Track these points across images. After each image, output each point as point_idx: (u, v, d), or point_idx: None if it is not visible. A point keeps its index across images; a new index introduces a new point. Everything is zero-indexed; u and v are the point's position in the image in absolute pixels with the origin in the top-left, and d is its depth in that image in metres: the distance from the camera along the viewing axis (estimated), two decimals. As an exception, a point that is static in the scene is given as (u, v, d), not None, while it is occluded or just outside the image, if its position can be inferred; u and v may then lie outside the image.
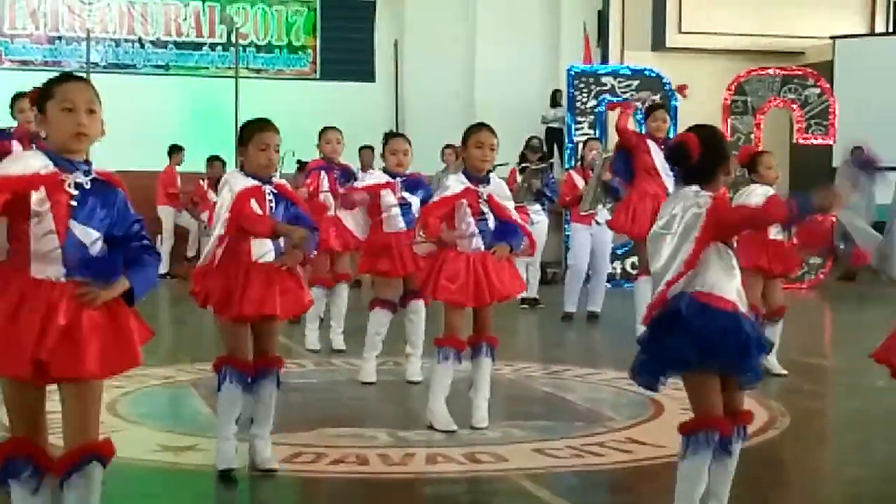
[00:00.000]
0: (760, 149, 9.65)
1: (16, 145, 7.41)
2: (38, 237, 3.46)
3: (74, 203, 3.50)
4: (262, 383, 5.10)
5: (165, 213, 16.05)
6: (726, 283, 4.01)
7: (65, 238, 3.48)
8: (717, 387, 4.00)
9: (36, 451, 3.59)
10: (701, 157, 4.06)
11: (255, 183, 5.09)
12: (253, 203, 5.04)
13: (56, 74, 3.71)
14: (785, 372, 7.77)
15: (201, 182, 15.44)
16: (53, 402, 3.62)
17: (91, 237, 3.54)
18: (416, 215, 7.42)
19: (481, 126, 6.16)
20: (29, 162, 3.49)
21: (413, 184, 7.58)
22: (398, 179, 7.52)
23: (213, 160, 15.47)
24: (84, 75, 4.10)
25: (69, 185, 3.51)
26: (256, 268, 5.04)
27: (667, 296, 3.99)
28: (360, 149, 13.78)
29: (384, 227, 7.53)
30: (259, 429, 5.16)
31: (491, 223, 6.03)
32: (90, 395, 3.55)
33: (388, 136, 7.75)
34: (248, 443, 5.17)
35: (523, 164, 12.48)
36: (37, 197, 3.45)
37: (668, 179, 9.28)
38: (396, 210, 7.50)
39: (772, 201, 4.04)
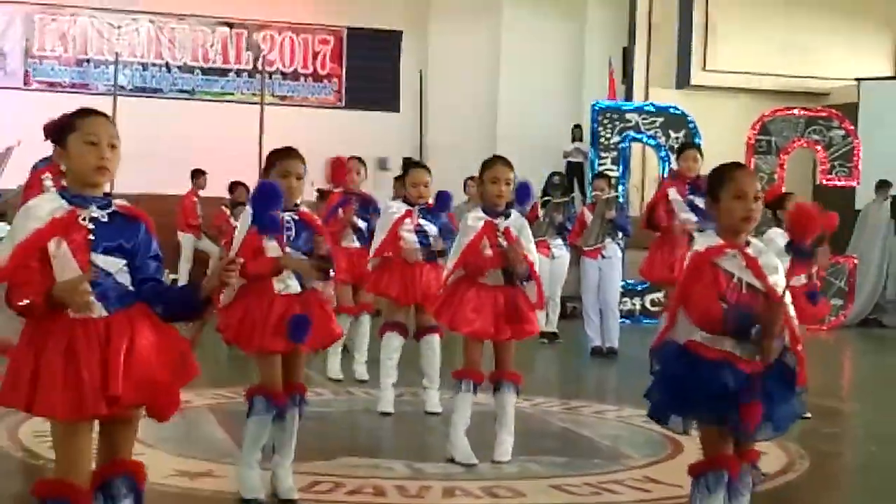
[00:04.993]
0: (786, 190, 9.61)
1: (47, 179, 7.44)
2: (61, 277, 3.32)
3: (92, 237, 3.41)
4: (288, 412, 5.08)
5: (186, 239, 16.06)
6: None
7: (89, 271, 3.36)
8: (724, 430, 3.89)
9: (81, 496, 3.41)
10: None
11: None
12: (267, 242, 4.97)
13: (78, 108, 3.59)
14: (808, 415, 7.69)
15: (224, 208, 15.45)
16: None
17: (117, 265, 3.45)
18: (433, 243, 7.44)
19: (496, 160, 6.06)
20: (42, 208, 3.40)
21: (431, 212, 7.57)
22: (416, 207, 7.53)
23: (237, 185, 15.47)
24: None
25: (83, 219, 3.41)
26: (280, 301, 5.01)
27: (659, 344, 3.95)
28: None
29: (401, 254, 7.54)
30: (282, 458, 5.14)
31: None
32: (136, 418, 3.50)
33: (410, 166, 7.72)
34: (269, 471, 5.15)
35: (545, 198, 12.50)
36: (52, 241, 3.35)
37: (689, 215, 9.32)
38: (414, 239, 7.52)
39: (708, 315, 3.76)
